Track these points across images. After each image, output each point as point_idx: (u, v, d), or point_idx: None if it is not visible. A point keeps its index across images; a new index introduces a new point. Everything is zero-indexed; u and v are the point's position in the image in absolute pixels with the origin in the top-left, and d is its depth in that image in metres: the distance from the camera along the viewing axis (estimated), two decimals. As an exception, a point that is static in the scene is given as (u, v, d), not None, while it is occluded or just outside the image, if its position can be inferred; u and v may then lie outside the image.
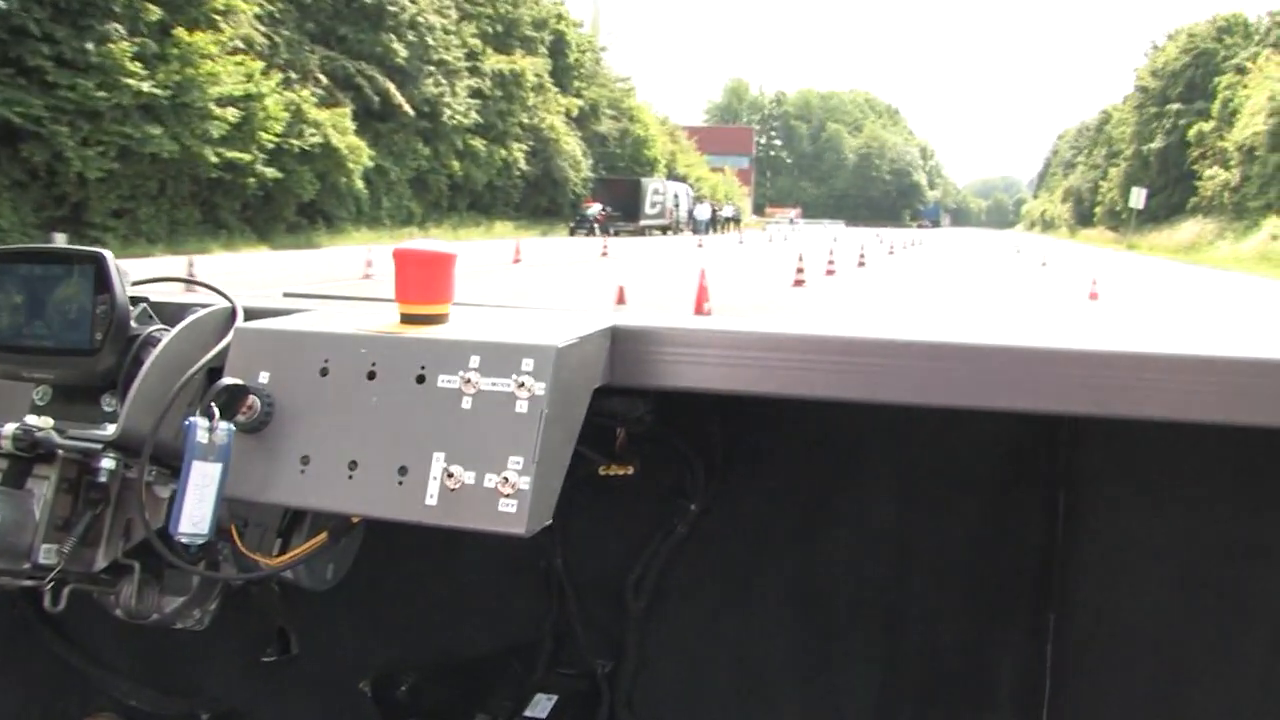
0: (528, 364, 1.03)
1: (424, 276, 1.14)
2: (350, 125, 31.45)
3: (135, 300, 1.27)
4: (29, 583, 1.20)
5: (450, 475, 1.02)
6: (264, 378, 1.11)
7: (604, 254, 28.11)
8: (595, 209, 47.08)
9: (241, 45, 28.25)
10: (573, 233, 45.57)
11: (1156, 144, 50.96)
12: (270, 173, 26.93)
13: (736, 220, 60.12)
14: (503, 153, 42.44)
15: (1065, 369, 1.10)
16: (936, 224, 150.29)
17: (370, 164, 32.60)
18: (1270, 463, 1.40)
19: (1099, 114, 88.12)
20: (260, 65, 27.18)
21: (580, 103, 51.78)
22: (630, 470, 1.47)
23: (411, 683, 1.71)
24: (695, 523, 1.63)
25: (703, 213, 55.73)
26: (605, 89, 55.74)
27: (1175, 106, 49.41)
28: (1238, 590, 1.45)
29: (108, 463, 1.19)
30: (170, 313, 1.28)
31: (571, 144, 48.85)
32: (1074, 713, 1.54)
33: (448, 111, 38.32)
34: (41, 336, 1.23)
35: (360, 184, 32.31)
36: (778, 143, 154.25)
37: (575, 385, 1.09)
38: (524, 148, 44.41)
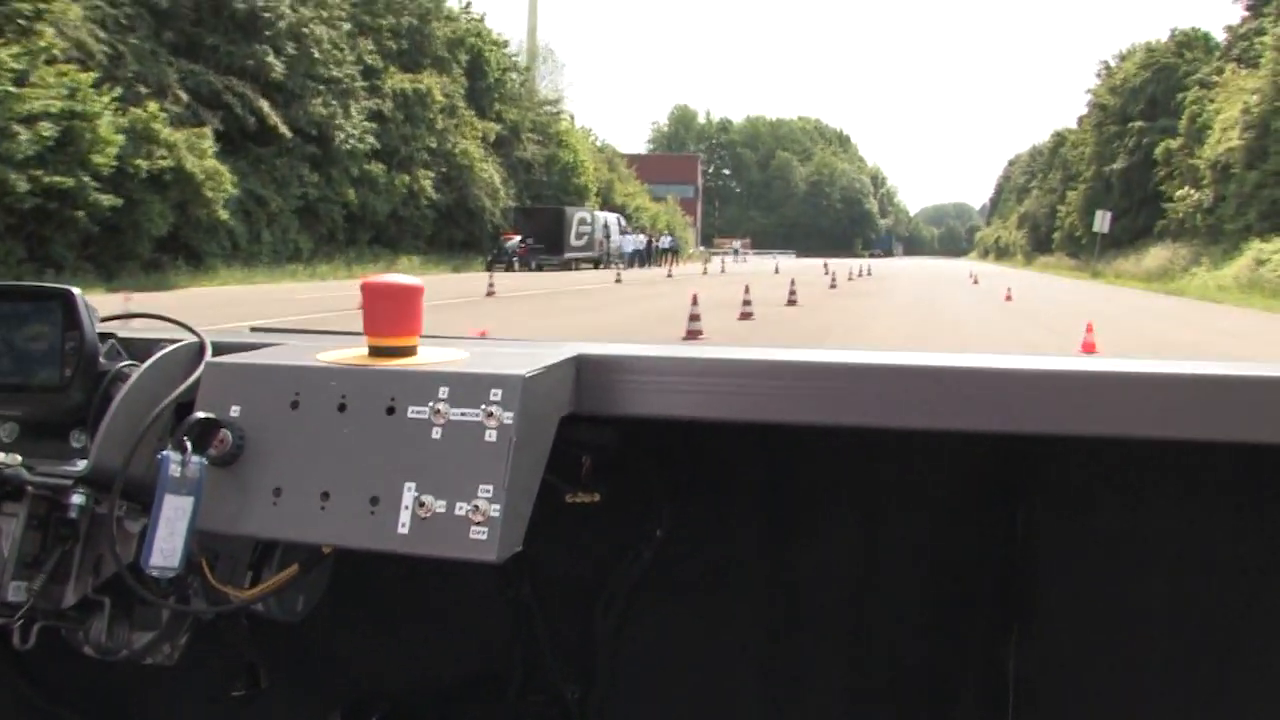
0: (496, 394, 1.06)
1: (392, 309, 1.15)
2: (211, 147, 27.03)
3: (104, 336, 1.28)
4: None
5: (422, 504, 1.04)
6: (235, 411, 1.12)
7: (490, 293, 23.85)
8: (515, 241, 42.99)
9: (76, 54, 23.95)
10: (490, 267, 41.31)
11: (1119, 164, 47.82)
12: (107, 200, 22.50)
13: (675, 251, 56.24)
14: (405, 180, 38.13)
15: (1020, 389, 1.13)
16: (889, 253, 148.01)
17: (236, 191, 28.18)
18: (1224, 476, 1.44)
19: (1051, 137, 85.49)
20: (91, 77, 22.77)
21: (498, 127, 47.66)
22: (596, 497, 1.46)
23: (381, 715, 1.70)
24: (661, 548, 1.61)
25: (632, 244, 51.76)
26: (530, 112, 51.55)
27: (1138, 124, 46.29)
28: (1192, 599, 1.48)
29: (78, 498, 1.19)
30: (139, 348, 1.29)
31: (489, 171, 44.71)
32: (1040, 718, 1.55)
33: (340, 134, 33.97)
34: (9, 373, 1.23)
35: (225, 215, 27.86)
36: (726, 172, 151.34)
37: (542, 414, 1.12)
38: (432, 175, 40.14)
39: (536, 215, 45.10)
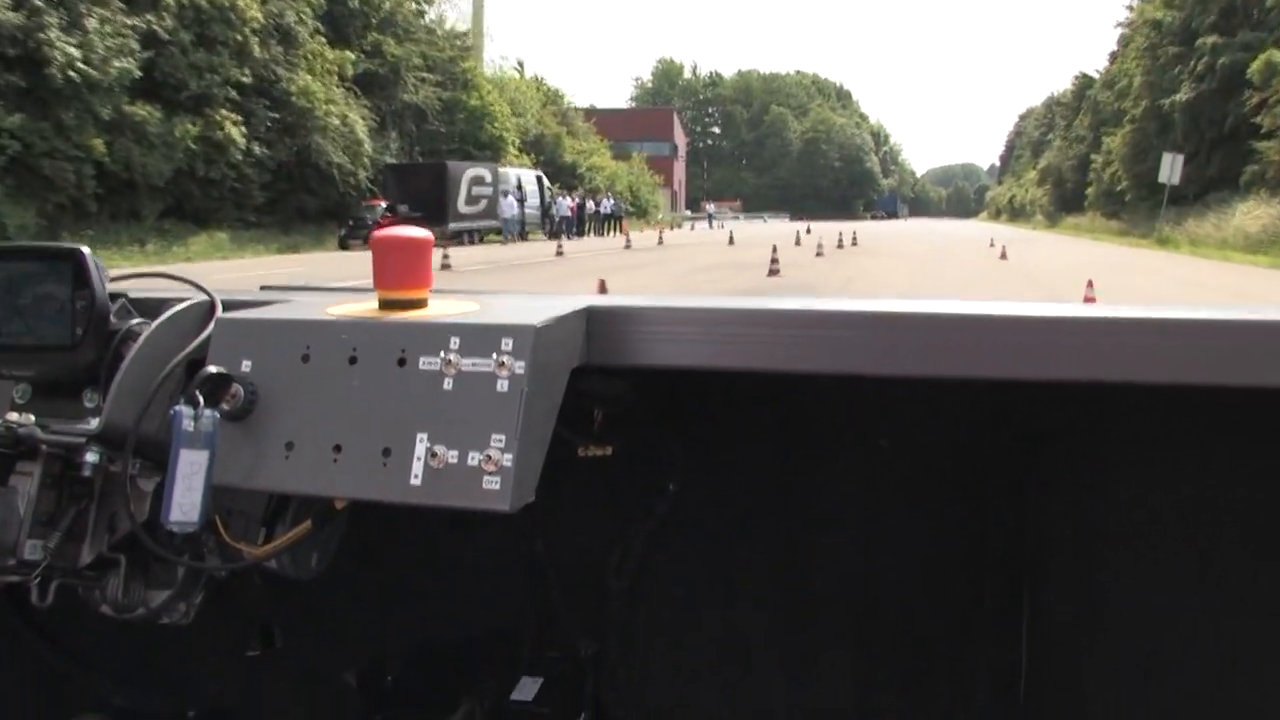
0: (507, 344, 1.06)
1: (402, 262, 1.15)
2: None
3: (114, 296, 1.28)
4: (14, 578, 1.21)
5: (434, 455, 1.04)
6: (246, 366, 1.12)
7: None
8: (380, 209, 32.02)
9: None
10: (344, 245, 30.51)
11: (1183, 94, 36.27)
12: None
13: (617, 218, 45.28)
14: (190, 127, 27.03)
15: (1032, 336, 1.13)
16: (893, 215, 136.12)
17: None
18: (1241, 426, 1.40)
19: (1075, 80, 73.73)
20: None
21: (372, 62, 36.41)
22: (609, 451, 1.47)
23: (397, 672, 1.71)
24: (674, 502, 1.63)
25: (534, 207, 40.75)
26: (426, 47, 40.18)
27: (1210, 40, 34.79)
28: (1210, 564, 1.46)
29: (91, 457, 1.20)
30: (149, 307, 1.29)
31: (350, 117, 33.59)
32: (1052, 690, 1.55)
33: (60, 58, 22.88)
34: (20, 334, 1.24)
35: None
36: (715, 130, 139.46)
37: (554, 364, 1.12)
38: (243, 121, 28.99)
39: (411, 174, 34.17)
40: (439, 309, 1.17)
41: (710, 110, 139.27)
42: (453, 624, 1.76)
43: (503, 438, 1.03)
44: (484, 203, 35.69)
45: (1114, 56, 60.93)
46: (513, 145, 45.44)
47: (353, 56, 33.89)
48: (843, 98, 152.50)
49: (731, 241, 33.76)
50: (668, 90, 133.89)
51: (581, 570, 1.69)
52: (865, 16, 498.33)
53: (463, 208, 33.88)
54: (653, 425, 1.59)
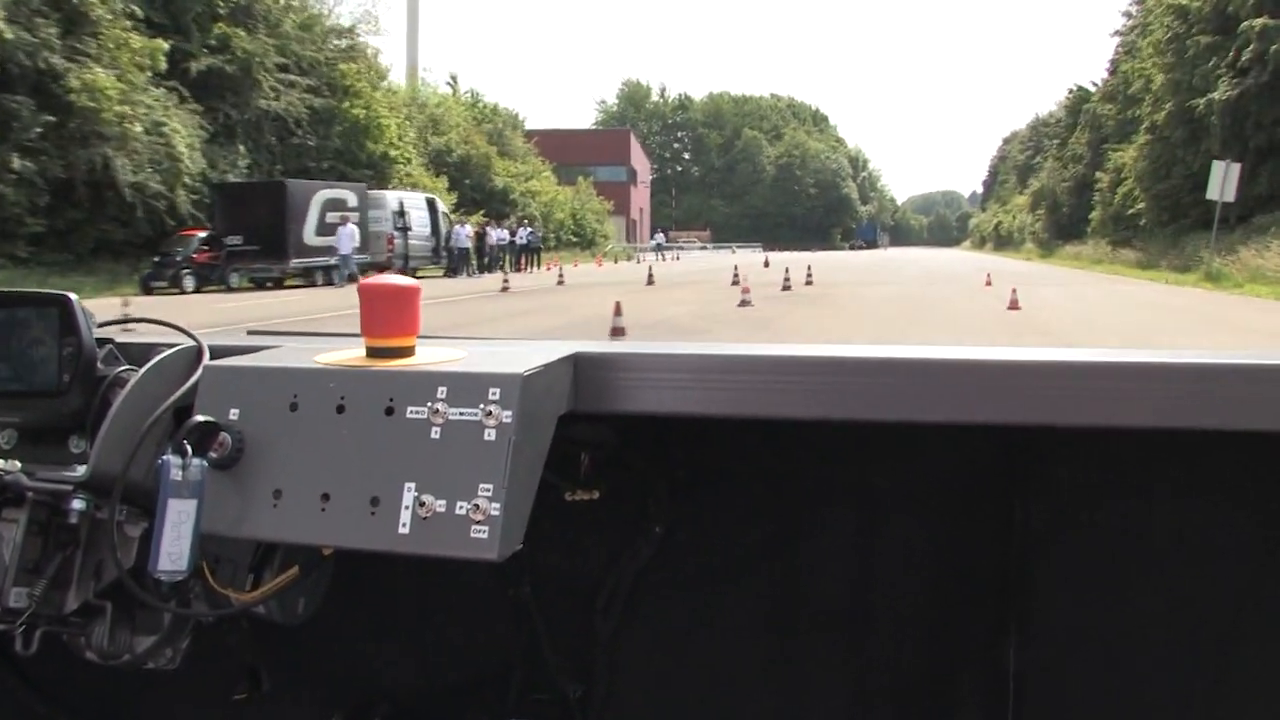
0: (494, 393, 1.06)
1: (389, 310, 1.16)
2: None
3: (101, 341, 1.28)
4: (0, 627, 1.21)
5: (422, 504, 1.04)
6: (234, 414, 1.13)
7: None
8: (197, 240, 24.62)
9: None
10: (147, 287, 23.12)
11: (1221, 92, 29.07)
12: None
13: (534, 250, 37.84)
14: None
15: (1016, 380, 1.15)
16: (873, 244, 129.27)
17: None
18: (1223, 467, 1.45)
19: (1068, 95, 66.92)
20: None
21: (209, 61, 28.96)
22: (596, 495, 1.48)
23: (384, 715, 1.71)
24: (661, 545, 1.63)
25: (463, 238, 33.26)
26: (288, 42, 32.70)
27: (1259, 23, 27.65)
28: (1192, 592, 1.49)
29: (78, 503, 1.20)
30: (136, 353, 1.30)
31: (170, 125, 26.07)
32: (1039, 715, 1.56)
33: None
34: (7, 379, 1.24)
35: None
36: (685, 156, 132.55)
37: (541, 412, 1.13)
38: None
39: (244, 196, 26.60)
40: (426, 357, 1.16)
41: (679, 135, 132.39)
42: (439, 667, 1.75)
43: (490, 487, 1.03)
44: (343, 233, 28.25)
45: (1114, 67, 54.12)
46: (406, 164, 37.88)
47: (164, 46, 26.20)
48: (819, 122, 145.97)
49: (651, 281, 26.31)
50: (633, 114, 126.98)
51: (568, 612, 1.67)
52: (841, 46, 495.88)
53: (311, 238, 26.41)
54: (640, 469, 1.58)
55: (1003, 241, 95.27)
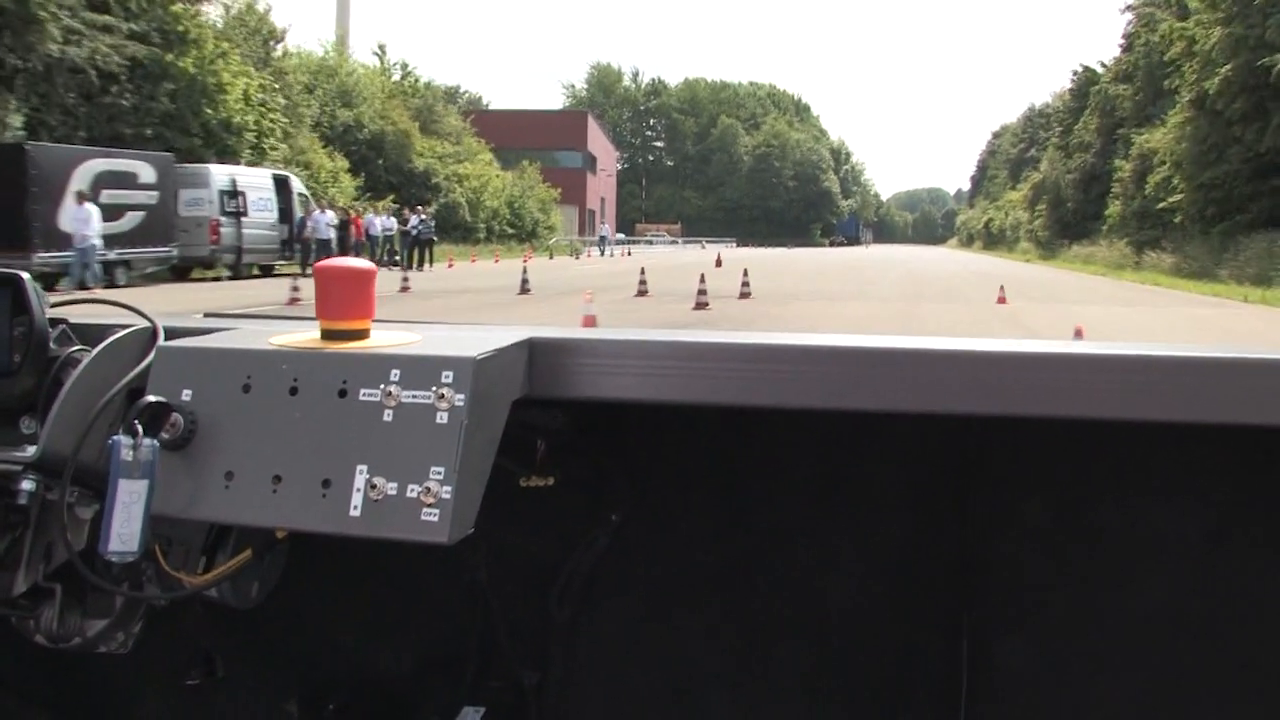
0: (447, 376, 1.06)
1: (345, 293, 1.15)
2: None
3: (54, 322, 1.27)
4: None
5: (373, 487, 1.04)
6: (186, 395, 1.12)
7: None
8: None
9: None
10: None
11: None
12: None
13: (425, 242, 30.39)
14: None
15: (969, 371, 1.16)
16: (854, 240, 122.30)
17: None
18: (1170, 454, 1.47)
19: (1073, 78, 59.81)
20: None
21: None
22: (551, 481, 1.47)
23: (339, 701, 1.70)
24: (618, 532, 1.63)
25: (323, 227, 25.81)
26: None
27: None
28: (1142, 582, 1.51)
29: (27, 484, 1.18)
30: (91, 334, 1.28)
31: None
32: (991, 705, 1.57)
33: None
34: None
35: None
36: (658, 145, 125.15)
37: (494, 397, 1.13)
38: None
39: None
40: (381, 340, 1.16)
41: (651, 122, 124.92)
42: (395, 653, 1.74)
43: (442, 470, 1.03)
44: (133, 218, 20.82)
45: (1128, 43, 47.11)
46: (269, 135, 30.25)
47: None
48: (801, 111, 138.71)
49: (525, 289, 18.99)
50: (602, 99, 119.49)
51: (524, 600, 1.68)
52: (825, 42, 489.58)
53: (71, 225, 18.89)
54: (596, 456, 1.58)
55: (994, 240, 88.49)
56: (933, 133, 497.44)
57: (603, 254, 50.45)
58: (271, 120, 30.33)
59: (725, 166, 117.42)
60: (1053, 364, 1.15)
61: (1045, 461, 1.53)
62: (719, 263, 33.36)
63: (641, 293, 18.49)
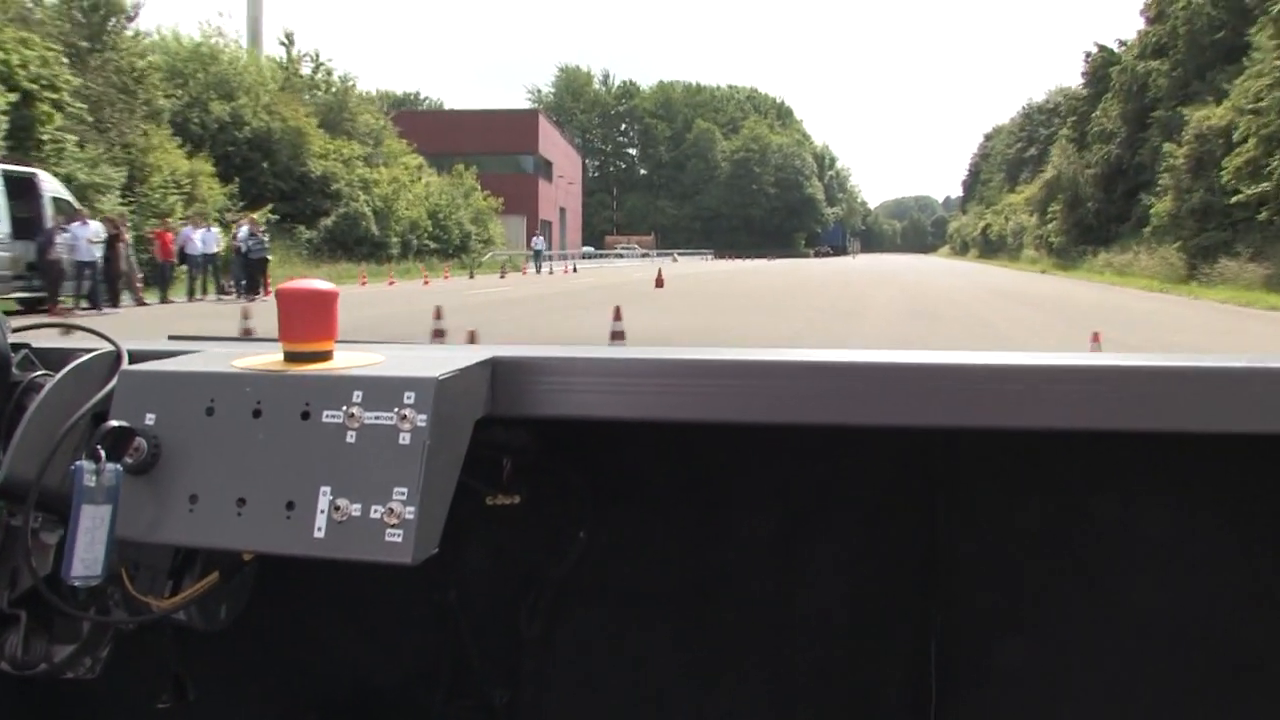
0: (409, 397, 1.07)
1: (306, 314, 1.16)
2: None
3: (16, 347, 1.28)
4: None
5: (337, 508, 1.05)
6: (150, 419, 1.12)
7: None
8: None
9: None
10: None
11: None
12: None
13: (258, 263, 22.77)
14: None
15: (936, 383, 1.17)
16: (841, 250, 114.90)
17: None
18: (1134, 459, 1.49)
19: (1088, 61, 52.23)
20: None
21: None
22: (517, 499, 1.48)
23: None
24: (585, 549, 1.63)
25: (81, 245, 17.99)
26: None
27: None
28: (1108, 584, 1.53)
29: None
30: (54, 358, 1.29)
31: None
32: (962, 709, 1.59)
33: None
34: None
35: None
36: (631, 151, 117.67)
37: (457, 416, 1.13)
38: None
39: None
40: (344, 361, 1.16)
41: (623, 127, 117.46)
42: (366, 674, 1.74)
43: (405, 490, 1.03)
44: None
45: (1156, 14, 39.68)
46: (48, 121, 22.30)
47: None
48: (783, 115, 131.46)
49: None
50: (571, 103, 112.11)
51: (493, 618, 1.68)
52: (806, 51, 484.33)
53: None
54: (562, 473, 1.58)
55: (992, 247, 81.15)
56: (919, 140, 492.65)
57: (538, 270, 42.62)
58: (47, 100, 22.42)
59: (701, 173, 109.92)
60: (1006, 376, 1.15)
61: (1014, 470, 1.53)
62: (659, 282, 25.78)
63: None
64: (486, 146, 61.80)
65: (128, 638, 1.35)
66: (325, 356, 1.16)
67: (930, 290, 27.74)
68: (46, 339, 1.35)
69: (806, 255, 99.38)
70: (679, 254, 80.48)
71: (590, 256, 73.02)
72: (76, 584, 1.08)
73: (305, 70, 46.03)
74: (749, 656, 1.64)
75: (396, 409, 1.06)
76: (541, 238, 44.35)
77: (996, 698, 1.56)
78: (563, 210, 74.70)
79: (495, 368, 1.22)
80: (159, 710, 1.51)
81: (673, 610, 1.65)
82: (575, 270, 44.05)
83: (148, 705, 1.54)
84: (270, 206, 32.00)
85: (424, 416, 1.05)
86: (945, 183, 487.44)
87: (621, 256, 74.45)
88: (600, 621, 1.67)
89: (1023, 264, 55.52)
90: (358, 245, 38.19)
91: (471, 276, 37.36)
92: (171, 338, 1.55)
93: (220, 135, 34.50)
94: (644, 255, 77.05)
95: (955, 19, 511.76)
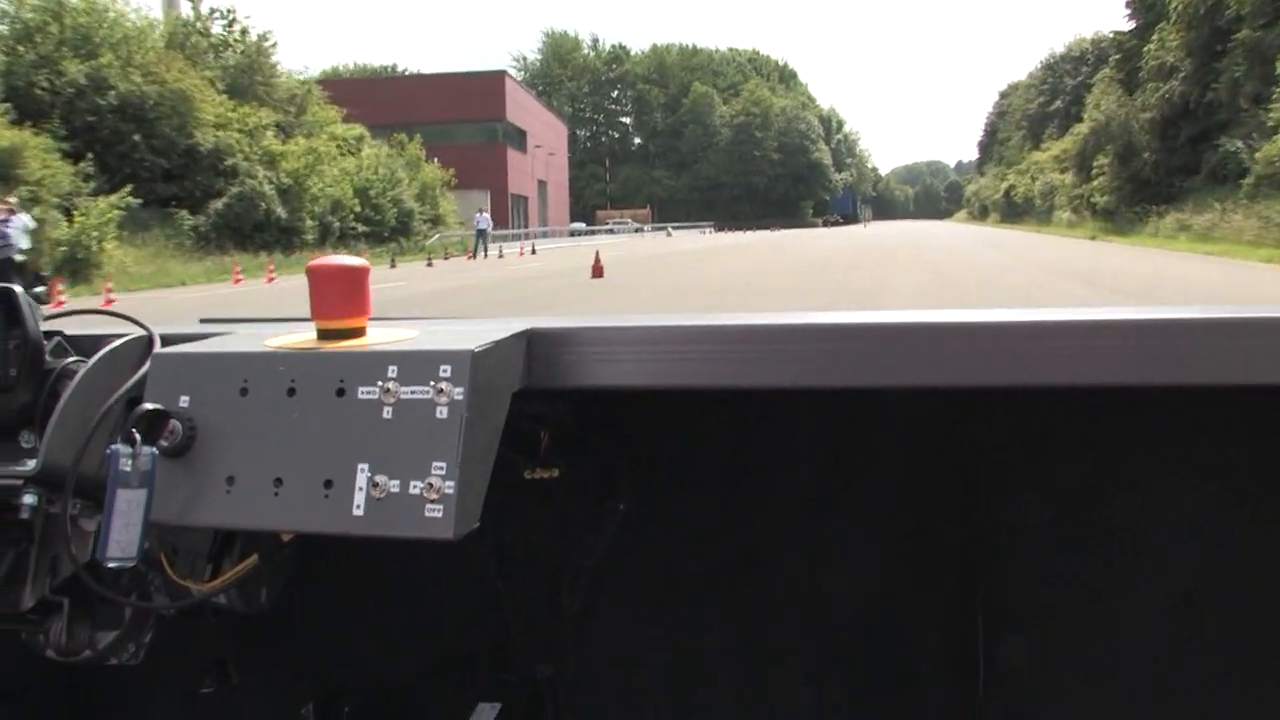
0: (445, 370, 1.06)
1: (339, 291, 1.15)
2: None
3: (49, 334, 1.27)
4: None
5: (375, 485, 1.04)
6: (184, 401, 1.12)
7: None
8: None
9: None
10: None
11: None
12: None
13: (4, 264, 16.26)
14: None
15: (976, 342, 1.15)
16: (851, 218, 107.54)
17: None
18: (1185, 423, 1.47)
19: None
20: None
21: None
22: (556, 473, 1.48)
23: (355, 703, 1.72)
24: (624, 521, 1.63)
25: None
26: None
27: None
28: (1164, 564, 1.51)
29: (29, 499, 1.18)
30: (86, 344, 1.29)
31: None
32: (1010, 681, 1.57)
33: None
34: None
35: None
36: (624, 120, 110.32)
37: (494, 389, 1.12)
38: None
39: None
40: (377, 337, 1.15)
41: (614, 95, 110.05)
42: (408, 652, 1.75)
43: (444, 465, 1.03)
44: None
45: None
46: None
47: None
48: (786, 78, 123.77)
49: None
50: (558, 70, 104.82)
51: (535, 592, 1.68)
52: (810, 13, 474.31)
53: None
54: (600, 446, 1.58)
55: (1016, 211, 73.93)
56: (929, 104, 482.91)
57: (484, 254, 35.48)
58: None
59: (700, 140, 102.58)
60: (1047, 333, 1.14)
61: (1055, 442, 1.51)
62: (598, 271, 18.99)
63: None
64: (447, 114, 54.86)
65: (170, 623, 1.35)
66: (359, 333, 1.14)
67: (969, 271, 20.77)
68: (77, 325, 1.33)
69: (815, 225, 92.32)
70: (674, 228, 73.71)
71: (579, 234, 66.83)
72: (111, 565, 1.09)
73: (218, 29, 39.30)
74: (789, 626, 1.62)
75: (433, 383, 1.04)
76: (486, 214, 37.18)
77: (1042, 678, 1.52)
78: (542, 184, 67.72)
79: (531, 339, 1.20)
80: (203, 694, 1.50)
81: (714, 582, 1.63)
82: (534, 252, 37.05)
83: (192, 689, 1.53)
84: (129, 189, 25.25)
85: (461, 389, 1.04)
86: (957, 146, 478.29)
87: (613, 232, 67.91)
88: (641, 594, 1.65)
89: (1057, 228, 48.40)
90: (258, 231, 31.38)
91: (393, 265, 30.44)
92: (203, 320, 1.52)
93: (79, 102, 27.79)
94: (637, 230, 70.56)
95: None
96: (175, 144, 30.57)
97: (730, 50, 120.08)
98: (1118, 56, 44.96)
